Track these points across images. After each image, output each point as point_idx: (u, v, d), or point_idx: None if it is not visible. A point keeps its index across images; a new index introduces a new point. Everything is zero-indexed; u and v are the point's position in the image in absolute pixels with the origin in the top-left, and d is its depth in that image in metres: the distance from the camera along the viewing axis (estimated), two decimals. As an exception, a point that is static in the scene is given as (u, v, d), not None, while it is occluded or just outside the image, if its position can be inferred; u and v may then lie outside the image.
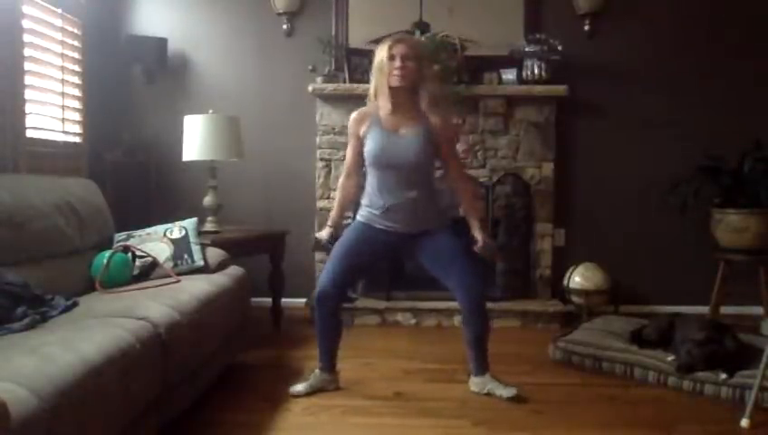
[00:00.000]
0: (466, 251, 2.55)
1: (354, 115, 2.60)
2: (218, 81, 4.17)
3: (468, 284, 2.50)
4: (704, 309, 3.73)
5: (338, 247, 2.58)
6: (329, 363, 2.64)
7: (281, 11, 4.09)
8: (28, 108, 3.12)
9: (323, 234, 2.64)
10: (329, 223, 2.68)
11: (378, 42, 3.82)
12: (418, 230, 2.53)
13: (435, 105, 2.56)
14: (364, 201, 2.61)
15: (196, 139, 3.45)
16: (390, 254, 2.85)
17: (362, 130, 2.54)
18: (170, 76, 4.15)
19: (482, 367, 2.60)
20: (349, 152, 2.64)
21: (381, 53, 2.45)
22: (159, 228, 2.92)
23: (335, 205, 2.71)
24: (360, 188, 2.68)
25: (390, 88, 2.44)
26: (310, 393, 2.59)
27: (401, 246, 2.60)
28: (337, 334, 2.63)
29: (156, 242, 2.83)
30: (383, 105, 2.48)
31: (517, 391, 2.52)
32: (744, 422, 2.28)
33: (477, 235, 2.56)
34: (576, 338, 3.06)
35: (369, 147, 2.51)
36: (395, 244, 2.58)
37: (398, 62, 2.41)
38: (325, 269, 2.57)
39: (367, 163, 2.57)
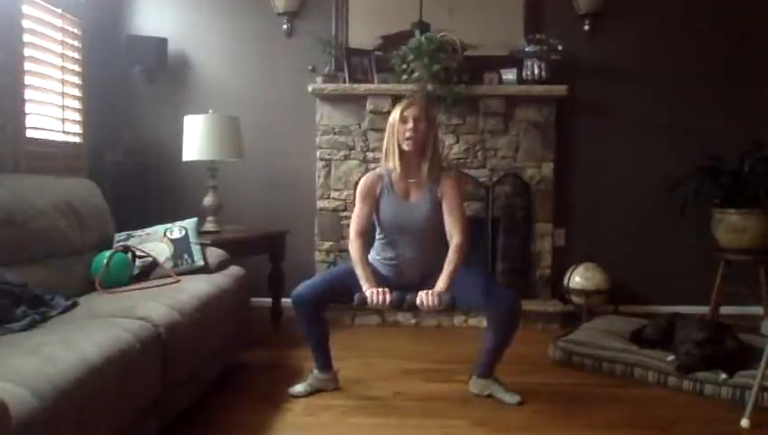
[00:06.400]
0: (483, 271, 2.49)
1: (367, 179, 2.60)
2: (218, 81, 4.17)
3: (500, 295, 2.43)
4: (704, 309, 3.73)
5: (335, 270, 2.70)
6: (323, 363, 2.64)
7: (281, 11, 4.09)
8: (28, 108, 3.12)
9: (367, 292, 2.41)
10: (366, 283, 2.41)
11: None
12: (425, 280, 2.45)
13: (443, 166, 2.60)
14: (374, 248, 2.64)
15: (196, 139, 3.46)
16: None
17: (377, 191, 2.56)
18: (170, 76, 4.15)
19: (489, 371, 2.60)
20: (360, 213, 2.56)
21: (394, 114, 2.50)
22: (159, 228, 2.92)
23: (358, 264, 2.46)
24: (370, 242, 2.64)
25: (401, 151, 2.48)
26: (309, 393, 2.59)
27: (405, 287, 2.47)
28: (322, 334, 2.60)
29: (156, 242, 2.82)
30: (394, 167, 2.51)
31: (521, 399, 2.52)
32: (744, 422, 2.28)
33: (439, 286, 2.34)
34: (576, 338, 3.06)
35: (383, 214, 2.55)
36: (397, 286, 2.47)
37: (410, 124, 2.44)
38: (313, 278, 2.62)
39: (378, 225, 2.60)
